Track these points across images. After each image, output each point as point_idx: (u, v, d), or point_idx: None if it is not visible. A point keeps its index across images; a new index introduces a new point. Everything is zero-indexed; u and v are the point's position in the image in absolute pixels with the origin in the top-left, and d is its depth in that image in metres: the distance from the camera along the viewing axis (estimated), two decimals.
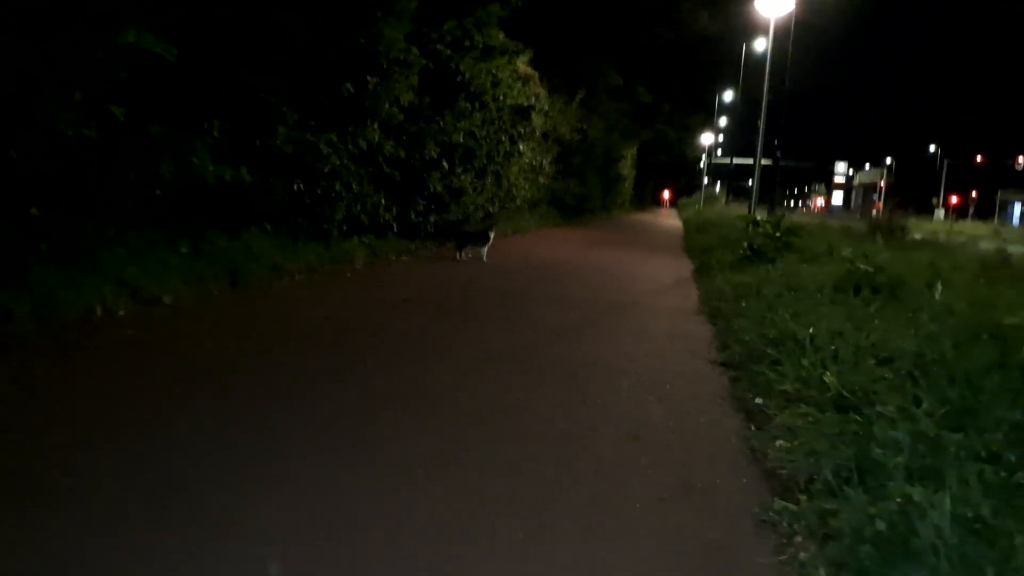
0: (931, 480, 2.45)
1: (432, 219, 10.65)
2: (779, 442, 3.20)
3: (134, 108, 5.38)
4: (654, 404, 3.89)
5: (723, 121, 62.52)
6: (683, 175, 79.48)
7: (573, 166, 21.51)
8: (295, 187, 7.53)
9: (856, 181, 66.20)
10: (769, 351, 4.57)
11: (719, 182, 61.37)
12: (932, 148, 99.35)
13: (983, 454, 2.70)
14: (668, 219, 39.71)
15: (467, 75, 10.82)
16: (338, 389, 3.70)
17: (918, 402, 3.29)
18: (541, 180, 16.70)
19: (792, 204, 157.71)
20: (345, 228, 8.40)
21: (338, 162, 7.73)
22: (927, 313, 5.17)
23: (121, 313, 4.74)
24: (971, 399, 3.31)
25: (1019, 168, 68.74)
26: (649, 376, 4.45)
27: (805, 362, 4.10)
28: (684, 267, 11.38)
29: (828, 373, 3.81)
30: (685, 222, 29.11)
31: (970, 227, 49.86)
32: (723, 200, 53.82)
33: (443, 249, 10.43)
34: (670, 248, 15.78)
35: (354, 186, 8.27)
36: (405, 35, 8.65)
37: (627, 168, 37.35)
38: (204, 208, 6.33)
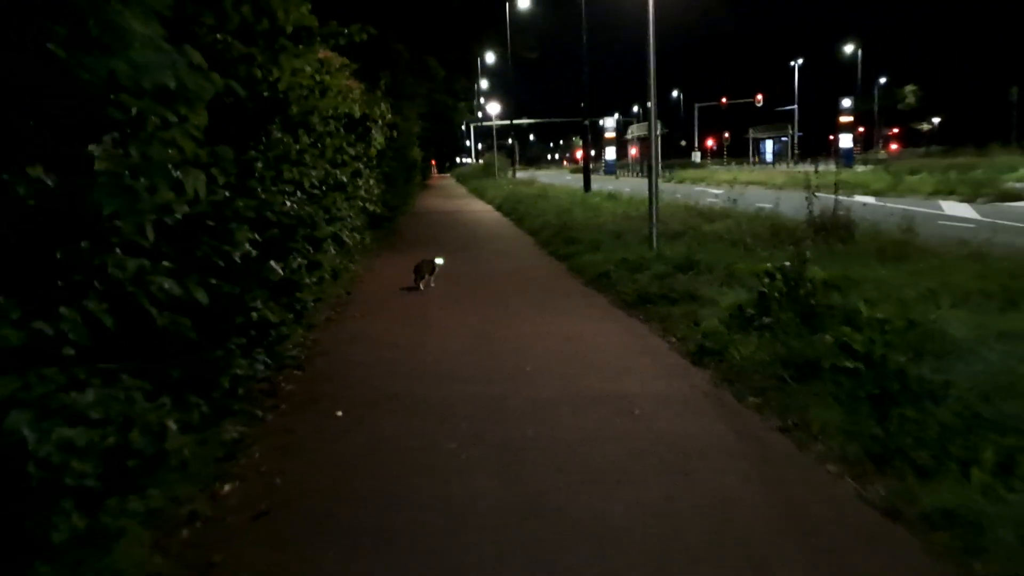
0: None
1: (260, 359, 5.74)
2: None
3: None
4: None
5: (484, 84, 60.60)
6: (448, 141, 76.92)
7: (385, 170, 16.79)
8: None
9: (631, 134, 66.62)
10: None
11: (482, 145, 58.84)
12: (675, 94, 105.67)
13: None
14: (470, 201, 36.00)
15: (282, 86, 5.92)
16: None
17: None
18: (370, 208, 11.90)
19: (553, 158, 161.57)
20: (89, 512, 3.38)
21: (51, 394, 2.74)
22: None
23: None
24: None
25: (758, 105, 74.06)
26: None
27: None
28: (672, 366, 6.77)
29: None
30: (511, 212, 25.11)
31: (759, 174, 50.88)
32: (508, 169, 51.51)
33: (280, 413, 5.63)
34: (564, 284, 11.59)
35: (108, 410, 3.29)
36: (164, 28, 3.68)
37: (416, 149, 32.95)
38: None
